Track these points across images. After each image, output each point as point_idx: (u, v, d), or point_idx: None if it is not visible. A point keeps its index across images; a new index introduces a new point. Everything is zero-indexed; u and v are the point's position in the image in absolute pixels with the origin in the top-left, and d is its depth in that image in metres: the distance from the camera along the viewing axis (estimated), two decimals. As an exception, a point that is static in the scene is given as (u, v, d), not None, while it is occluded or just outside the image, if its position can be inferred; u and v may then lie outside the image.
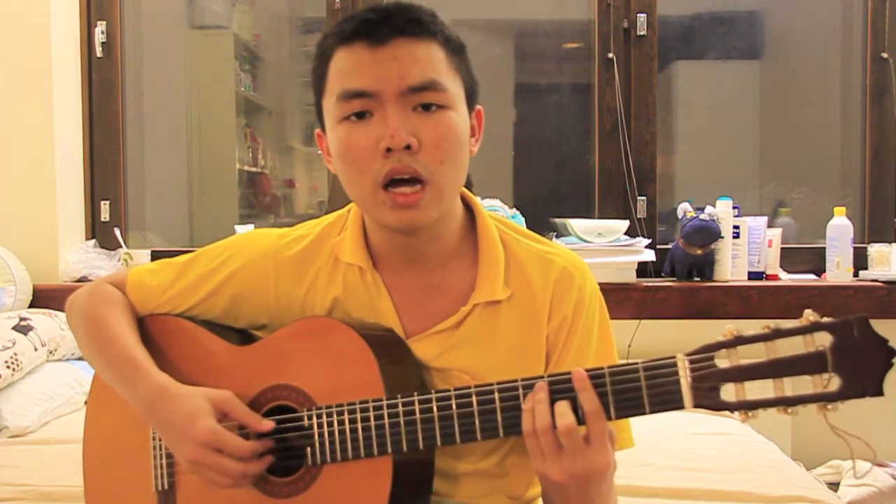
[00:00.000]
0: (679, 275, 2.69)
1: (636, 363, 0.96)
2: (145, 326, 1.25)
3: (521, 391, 1.01)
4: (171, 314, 1.25)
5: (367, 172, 1.06)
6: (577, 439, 0.97)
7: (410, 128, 1.04)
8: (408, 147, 1.04)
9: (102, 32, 3.02)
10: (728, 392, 0.92)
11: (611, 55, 2.90)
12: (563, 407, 0.98)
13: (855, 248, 2.71)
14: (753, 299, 2.59)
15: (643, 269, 2.69)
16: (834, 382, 0.88)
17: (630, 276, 2.64)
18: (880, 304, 2.58)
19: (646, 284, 2.62)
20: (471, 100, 1.13)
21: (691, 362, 0.94)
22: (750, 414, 0.91)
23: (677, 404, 0.94)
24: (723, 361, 0.93)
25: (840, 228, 2.69)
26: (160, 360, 1.19)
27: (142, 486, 1.22)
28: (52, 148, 2.85)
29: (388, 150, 1.04)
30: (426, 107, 1.06)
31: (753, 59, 3.22)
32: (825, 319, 0.89)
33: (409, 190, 1.05)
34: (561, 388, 0.99)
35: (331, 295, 1.18)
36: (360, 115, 1.06)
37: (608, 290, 1.22)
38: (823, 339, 0.89)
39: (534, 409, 0.99)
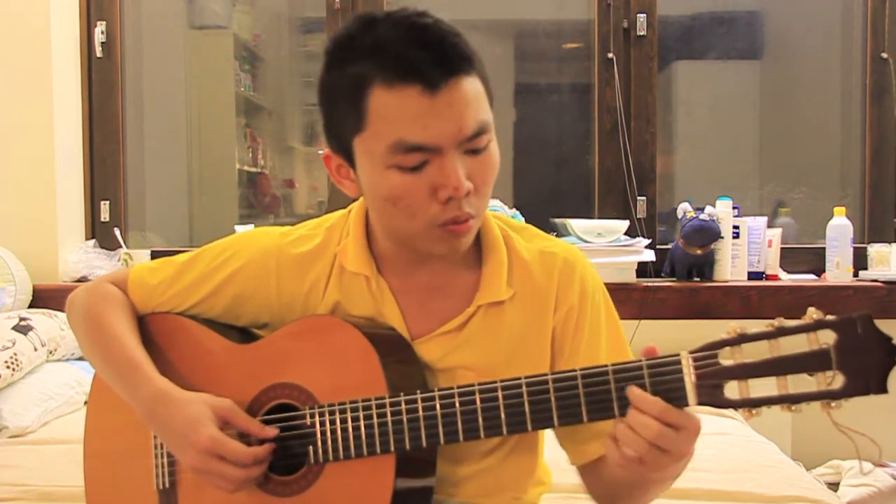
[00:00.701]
0: (679, 275, 2.69)
1: (640, 361, 0.97)
2: (146, 325, 1.25)
3: (524, 388, 1.01)
4: (172, 313, 1.25)
5: (420, 216, 1.05)
6: (671, 437, 0.94)
7: (464, 171, 1.03)
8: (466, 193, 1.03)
9: (102, 32, 3.02)
10: (731, 390, 0.92)
11: (611, 55, 2.90)
12: (641, 419, 0.94)
13: (855, 248, 2.71)
14: (753, 299, 2.59)
15: (643, 269, 2.69)
16: (838, 380, 0.88)
17: (630, 276, 2.64)
18: (880, 305, 2.58)
19: (646, 284, 2.62)
20: None
21: (695, 360, 0.94)
22: (754, 412, 0.91)
23: (681, 402, 0.94)
24: (726, 359, 0.93)
25: (840, 228, 2.69)
26: (161, 359, 1.19)
27: (143, 485, 1.22)
28: (52, 148, 2.85)
29: (449, 198, 1.03)
30: (476, 150, 1.04)
31: (753, 59, 3.22)
32: (829, 317, 0.89)
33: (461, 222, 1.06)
34: (564, 387, 0.99)
35: (333, 299, 1.18)
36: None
37: (608, 289, 1.22)
38: (827, 337, 0.89)
39: (617, 437, 0.97)
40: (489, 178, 1.07)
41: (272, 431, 1.10)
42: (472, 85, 1.02)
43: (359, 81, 1.02)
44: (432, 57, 0.99)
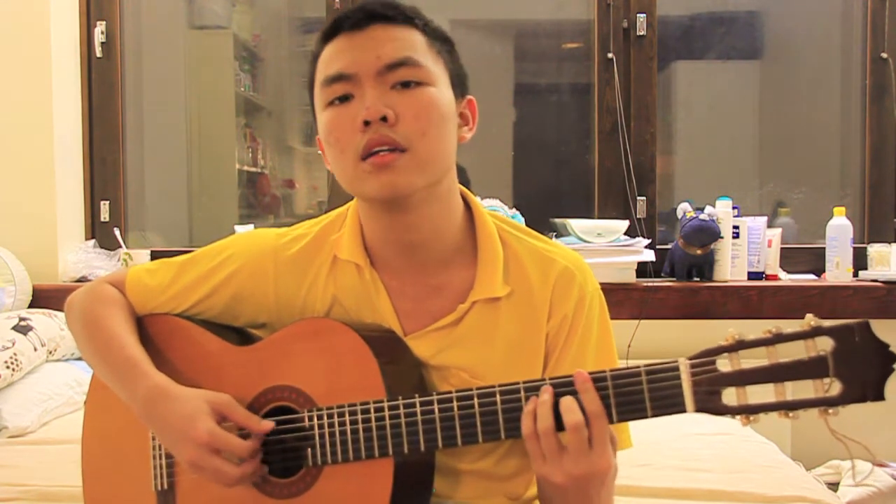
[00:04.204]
0: (679, 275, 2.69)
1: (638, 367, 0.97)
2: (144, 326, 1.25)
3: (522, 393, 1.01)
4: (171, 314, 1.25)
5: (348, 149, 1.08)
6: (582, 439, 0.97)
7: (388, 102, 1.06)
8: (384, 119, 1.05)
9: (102, 32, 3.02)
10: (729, 396, 0.92)
11: (610, 55, 2.90)
12: (569, 403, 0.98)
13: (854, 248, 2.71)
14: (753, 299, 2.59)
15: (643, 270, 2.69)
16: (835, 387, 0.88)
17: (630, 276, 2.64)
18: (880, 305, 2.58)
19: (645, 284, 2.62)
20: (458, 87, 1.15)
21: (693, 366, 0.94)
22: (751, 418, 0.91)
23: (679, 408, 0.94)
24: (724, 365, 0.93)
25: (840, 228, 2.69)
26: (159, 360, 1.19)
27: (141, 486, 1.22)
28: (51, 148, 2.85)
29: (366, 123, 1.05)
30: (405, 84, 1.08)
31: (753, 59, 3.22)
32: (826, 324, 0.89)
33: (385, 151, 1.06)
34: (564, 392, 0.99)
35: (330, 293, 1.19)
36: (343, 99, 1.09)
37: (608, 290, 1.22)
38: (825, 344, 0.89)
39: (535, 410, 0.99)
40: (422, 112, 1.07)
41: (268, 425, 1.10)
42: (402, 31, 1.10)
43: (315, 52, 1.15)
44: (360, 9, 1.10)
